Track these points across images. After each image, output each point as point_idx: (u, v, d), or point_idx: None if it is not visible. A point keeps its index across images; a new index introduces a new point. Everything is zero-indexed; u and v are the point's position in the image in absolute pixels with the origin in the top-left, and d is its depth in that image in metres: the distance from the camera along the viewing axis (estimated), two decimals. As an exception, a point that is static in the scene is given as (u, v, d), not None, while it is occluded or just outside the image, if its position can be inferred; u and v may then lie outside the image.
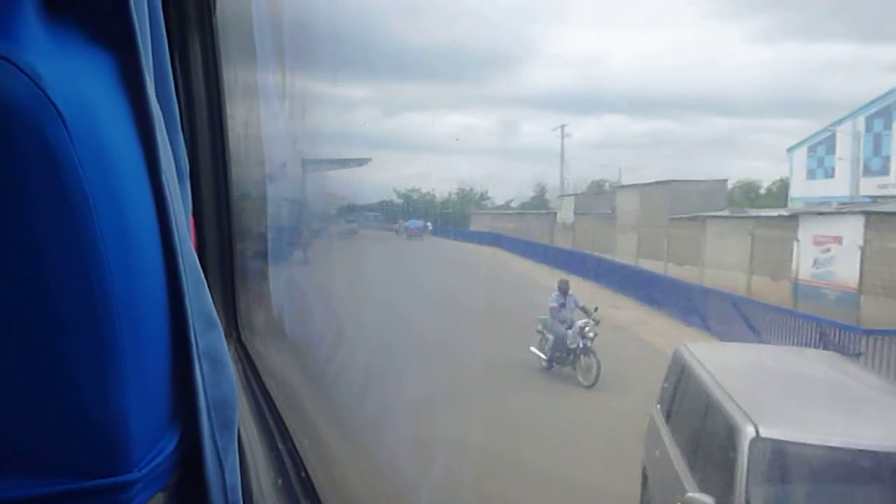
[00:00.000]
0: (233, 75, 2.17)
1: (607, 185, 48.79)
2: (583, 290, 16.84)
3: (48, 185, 0.61)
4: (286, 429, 2.03)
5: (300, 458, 2.01)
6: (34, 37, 0.62)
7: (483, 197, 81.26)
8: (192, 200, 1.00)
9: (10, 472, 0.62)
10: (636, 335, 13.51)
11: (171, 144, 0.80)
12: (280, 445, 1.98)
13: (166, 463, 0.73)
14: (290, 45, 2.42)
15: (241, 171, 2.23)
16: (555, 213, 47.51)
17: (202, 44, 2.07)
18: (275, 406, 2.09)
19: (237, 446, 0.88)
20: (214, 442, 0.80)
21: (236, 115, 2.18)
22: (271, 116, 2.53)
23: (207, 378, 0.79)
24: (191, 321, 0.76)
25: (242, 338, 2.23)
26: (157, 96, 0.77)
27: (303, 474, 1.98)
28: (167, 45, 0.85)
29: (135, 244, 0.68)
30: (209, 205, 2.07)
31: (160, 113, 0.76)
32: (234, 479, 0.85)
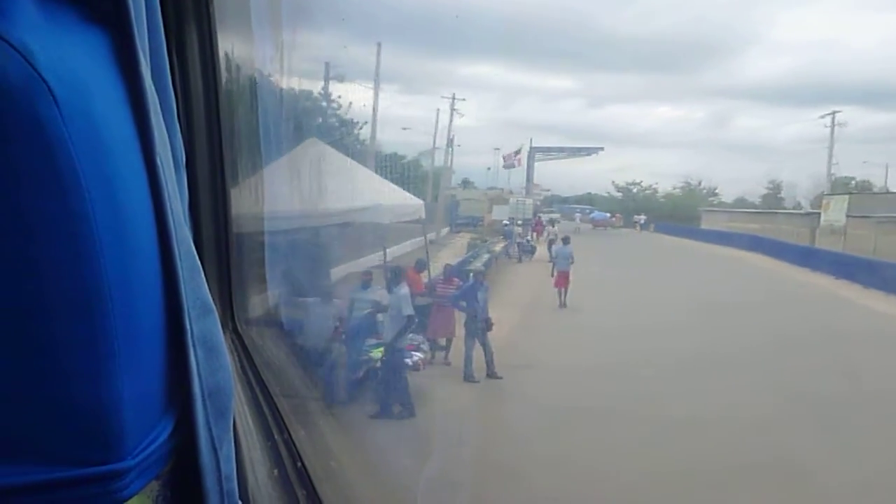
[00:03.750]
0: (231, 64, 2.16)
1: (853, 183, 47.44)
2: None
3: (39, 165, 0.60)
4: (282, 419, 2.03)
5: (296, 449, 2.01)
6: (26, 13, 0.61)
7: (710, 193, 78.88)
8: (188, 190, 0.97)
9: (2, 460, 0.62)
10: None
11: (166, 130, 0.79)
12: (276, 436, 1.98)
13: (160, 451, 0.72)
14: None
15: (238, 162, 2.22)
16: (813, 215, 45.21)
17: (199, 31, 2.05)
18: (271, 396, 2.09)
19: (232, 435, 0.88)
20: (209, 430, 0.79)
21: (232, 102, 2.17)
22: (271, 103, 2.52)
23: (202, 365, 0.78)
24: (186, 307, 0.75)
25: (238, 327, 2.23)
26: (152, 82, 0.75)
27: (299, 465, 1.98)
28: (163, 32, 0.84)
29: (128, 227, 0.67)
30: (205, 194, 2.06)
31: (156, 97, 0.75)
32: (230, 467, 0.85)
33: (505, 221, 38.09)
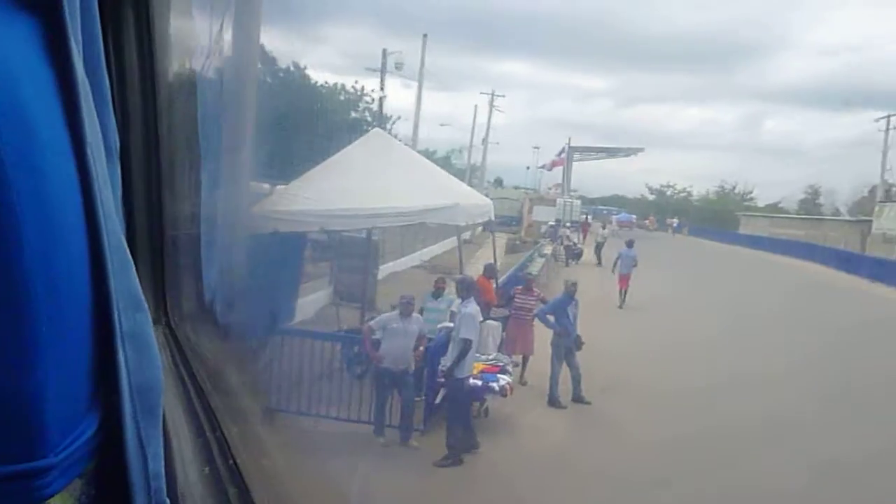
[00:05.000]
0: (167, 52, 2.11)
1: (894, 189, 46.66)
2: None
3: None
4: (215, 416, 2.00)
5: (229, 447, 1.99)
6: None
7: (744, 197, 79.01)
8: (122, 180, 0.98)
9: None
10: None
11: (99, 120, 0.78)
12: (208, 433, 1.95)
13: (84, 448, 0.71)
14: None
15: (175, 152, 2.18)
16: (864, 222, 44.19)
17: (136, 18, 2.01)
18: (203, 393, 2.06)
19: (161, 433, 0.87)
20: (137, 427, 0.79)
21: (171, 93, 2.12)
22: (211, 96, 2.48)
23: (131, 361, 0.78)
24: (115, 302, 0.74)
25: (171, 323, 2.20)
26: (85, 70, 0.74)
27: (231, 462, 1.96)
28: (99, 18, 0.82)
29: (56, 219, 0.66)
30: (139, 185, 2.03)
31: (88, 86, 0.73)
32: (157, 465, 0.84)
33: (551, 223, 37.46)
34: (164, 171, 2.08)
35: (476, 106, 53.33)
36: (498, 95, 54.05)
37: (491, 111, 53.07)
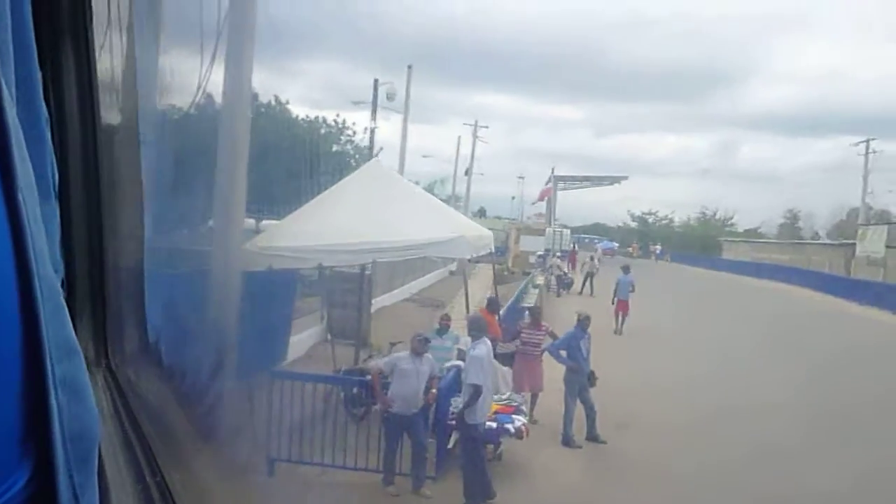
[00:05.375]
0: (109, 85, 2.08)
1: (871, 212, 46.54)
2: None
3: None
4: (156, 461, 1.94)
5: (169, 492, 1.92)
6: None
7: (725, 223, 79.80)
8: (60, 219, 0.96)
9: None
10: None
11: (34, 159, 0.76)
12: (148, 478, 1.89)
13: (15, 500, 0.69)
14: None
15: (116, 191, 2.14)
16: (847, 245, 44.25)
17: (76, 56, 1.98)
18: (144, 437, 2.00)
19: (96, 481, 0.84)
20: (70, 477, 0.76)
21: (112, 128, 2.09)
22: (151, 125, 2.45)
23: (64, 409, 0.75)
24: (46, 348, 0.71)
25: (112, 365, 2.14)
26: (20, 107, 0.73)
27: (171, 508, 1.89)
28: (37, 57, 0.81)
29: None
30: (79, 225, 1.99)
31: (19, 126, 0.71)
32: None
33: (540, 253, 37.31)
34: (105, 209, 2.04)
35: (459, 137, 53.46)
36: (481, 126, 54.22)
37: (474, 142, 53.24)
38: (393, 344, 12.89)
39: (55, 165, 0.92)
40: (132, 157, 2.30)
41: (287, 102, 27.71)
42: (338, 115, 37.42)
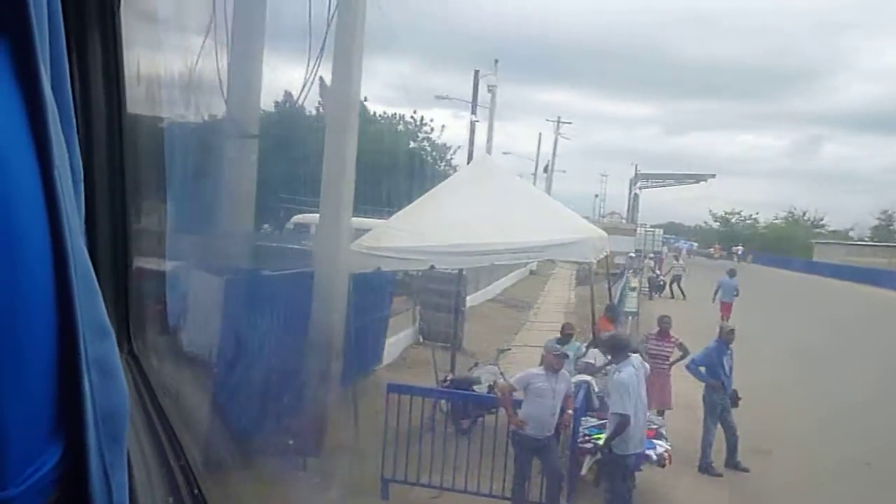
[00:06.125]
0: (135, 75, 2.10)
1: None
2: None
3: None
4: (180, 445, 1.94)
5: (194, 475, 1.92)
6: None
7: (815, 224, 77.77)
8: (85, 205, 0.96)
9: None
10: None
11: (65, 143, 0.76)
12: (173, 462, 1.89)
13: (47, 479, 0.70)
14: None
15: (140, 178, 2.16)
16: None
17: (103, 40, 2.00)
18: (168, 421, 2.01)
19: (126, 462, 0.85)
20: (101, 456, 0.77)
21: (135, 115, 2.11)
22: (176, 117, 2.46)
23: (97, 389, 0.76)
24: (80, 329, 0.73)
25: (135, 350, 2.16)
26: (52, 91, 0.73)
27: (196, 492, 1.89)
28: (65, 39, 0.81)
29: (21, 244, 0.65)
30: (103, 210, 2.01)
31: (55, 108, 0.72)
32: (122, 495, 0.82)
33: (631, 254, 36.28)
34: (129, 196, 2.06)
35: (540, 133, 52.50)
36: (564, 122, 53.07)
37: (557, 138, 52.19)
38: (501, 351, 12.50)
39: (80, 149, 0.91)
40: (156, 144, 2.33)
41: (366, 99, 27.69)
42: (415, 112, 37.26)
